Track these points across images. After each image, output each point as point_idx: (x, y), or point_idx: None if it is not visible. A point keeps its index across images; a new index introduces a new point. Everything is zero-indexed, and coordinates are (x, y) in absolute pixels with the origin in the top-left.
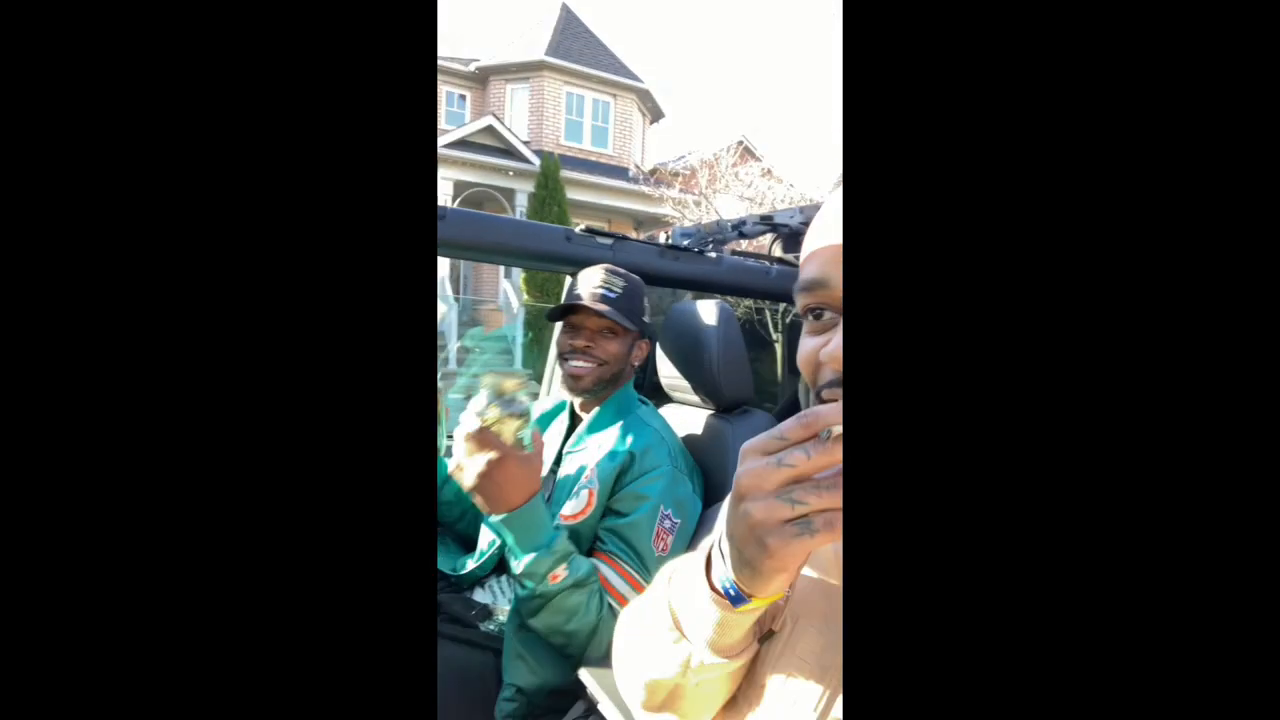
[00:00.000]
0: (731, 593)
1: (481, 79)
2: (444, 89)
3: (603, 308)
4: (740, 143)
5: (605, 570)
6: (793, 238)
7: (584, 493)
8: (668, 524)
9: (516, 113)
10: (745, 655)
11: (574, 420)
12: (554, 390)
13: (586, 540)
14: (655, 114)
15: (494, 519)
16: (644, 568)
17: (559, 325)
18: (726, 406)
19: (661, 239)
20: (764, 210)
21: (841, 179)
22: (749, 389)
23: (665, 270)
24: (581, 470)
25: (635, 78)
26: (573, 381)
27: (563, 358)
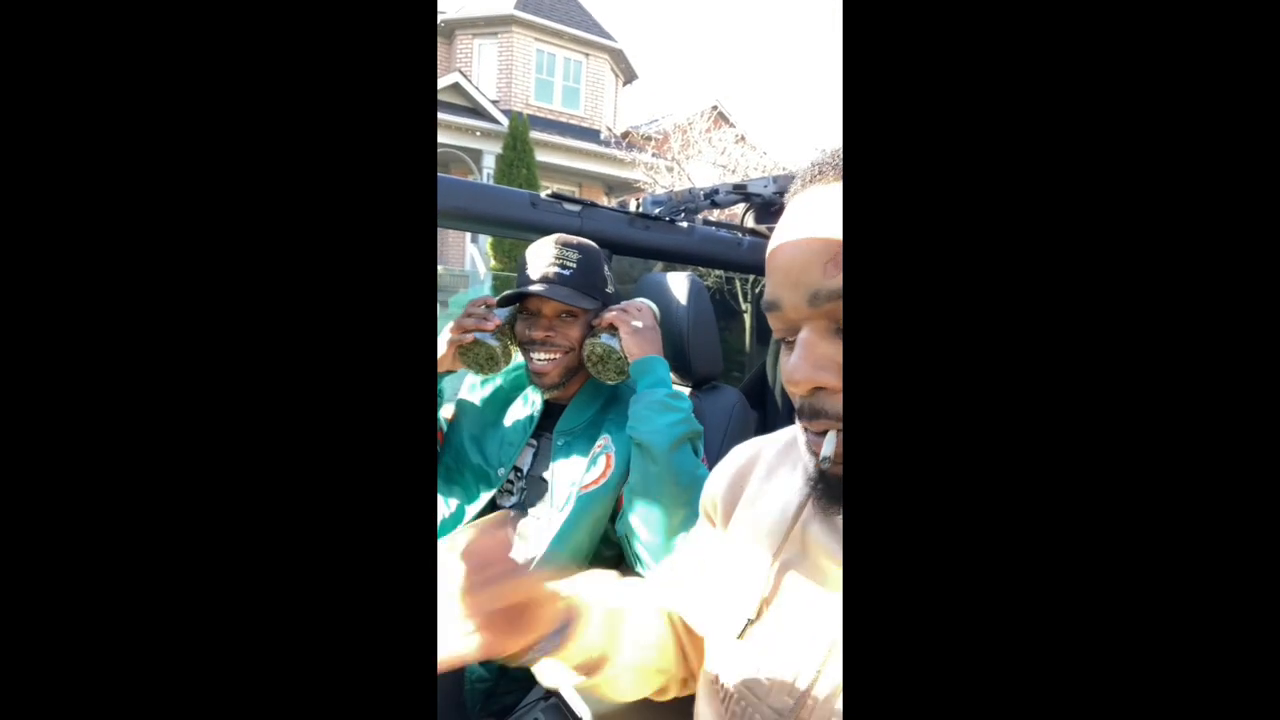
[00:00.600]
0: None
1: (448, 33)
2: None
3: (559, 291)
4: (714, 108)
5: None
6: (765, 208)
7: (601, 458)
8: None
9: (484, 70)
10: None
11: (548, 408)
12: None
13: (607, 506)
14: (629, 75)
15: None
16: None
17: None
18: (696, 382)
19: (632, 206)
20: (737, 178)
21: (808, 176)
22: (718, 364)
23: (635, 239)
24: (597, 456)
25: (609, 36)
26: (539, 378)
27: (523, 349)
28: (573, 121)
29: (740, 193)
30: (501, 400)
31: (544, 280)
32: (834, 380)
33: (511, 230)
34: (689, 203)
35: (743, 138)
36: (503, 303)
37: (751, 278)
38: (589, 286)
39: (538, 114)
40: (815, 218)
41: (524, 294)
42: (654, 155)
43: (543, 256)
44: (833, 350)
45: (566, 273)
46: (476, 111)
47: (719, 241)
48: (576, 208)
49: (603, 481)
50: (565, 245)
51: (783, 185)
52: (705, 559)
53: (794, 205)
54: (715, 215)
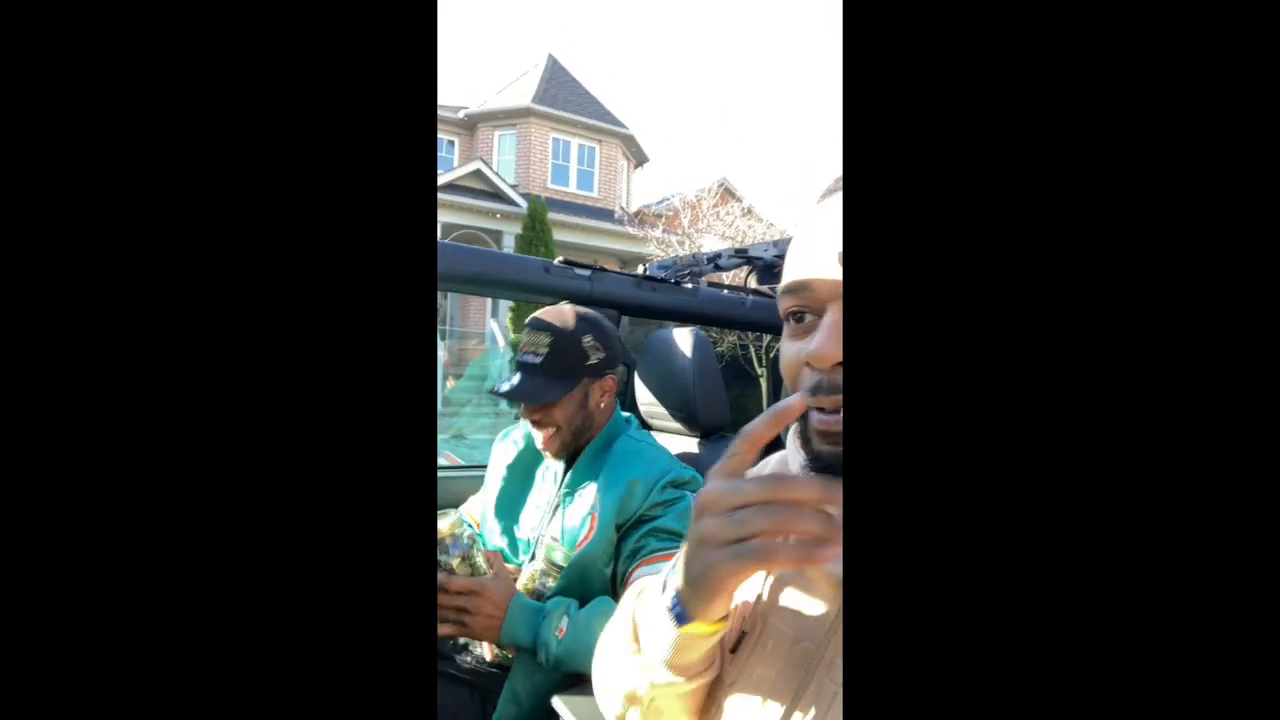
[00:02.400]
0: (676, 610)
1: (470, 126)
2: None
3: (526, 390)
4: (721, 184)
5: (649, 568)
6: (767, 270)
7: (586, 520)
8: None
9: (504, 158)
10: (702, 677)
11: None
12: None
13: (598, 566)
14: (640, 158)
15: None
16: None
17: None
18: (704, 432)
19: (639, 271)
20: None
21: (830, 189)
22: (725, 415)
23: (643, 300)
24: (577, 526)
25: (620, 124)
26: (546, 451)
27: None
28: (587, 203)
29: (742, 256)
30: (525, 465)
31: (520, 370)
32: None
33: (527, 294)
34: (693, 266)
35: (749, 210)
36: (495, 393)
37: (765, 342)
38: (561, 370)
39: (555, 196)
40: None
41: (500, 394)
42: (665, 231)
43: (524, 347)
44: None
45: (536, 360)
46: (497, 195)
47: (723, 301)
48: (587, 273)
49: (586, 544)
50: (537, 329)
51: (782, 249)
52: None
53: (829, 202)
54: (720, 278)
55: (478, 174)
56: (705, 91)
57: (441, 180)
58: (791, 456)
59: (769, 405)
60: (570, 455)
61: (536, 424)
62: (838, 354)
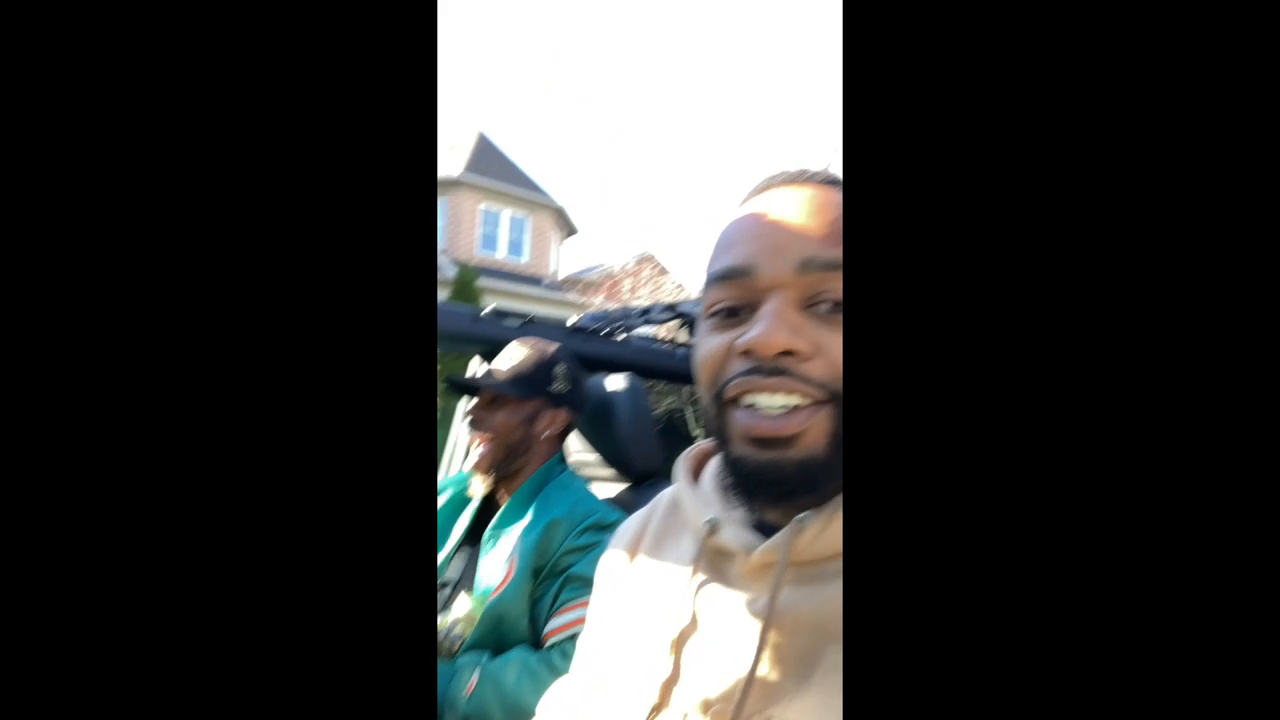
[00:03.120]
0: None
1: None
2: None
3: (486, 380)
4: (650, 257)
5: (563, 619)
6: (695, 324)
7: (506, 564)
8: None
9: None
10: None
11: (490, 499)
12: (452, 468)
13: (514, 611)
14: (569, 230)
15: None
16: None
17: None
18: (637, 478)
19: (569, 322)
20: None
21: (759, 187)
22: (658, 460)
23: (573, 350)
24: (504, 564)
25: (550, 198)
26: (476, 471)
27: (469, 430)
28: (517, 270)
29: (672, 311)
30: (452, 512)
31: (491, 372)
32: (807, 346)
33: (456, 344)
34: (624, 319)
35: (680, 286)
36: (452, 388)
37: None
38: (526, 381)
39: (483, 264)
40: (800, 200)
41: (461, 384)
42: (606, 299)
43: (503, 353)
44: (802, 320)
45: (509, 366)
46: None
47: (654, 353)
48: (517, 322)
49: (503, 589)
50: (522, 344)
51: None
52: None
53: (767, 195)
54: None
55: None
56: (632, 168)
57: None
58: (684, 485)
59: None
60: (497, 478)
61: (476, 425)
62: (791, 341)
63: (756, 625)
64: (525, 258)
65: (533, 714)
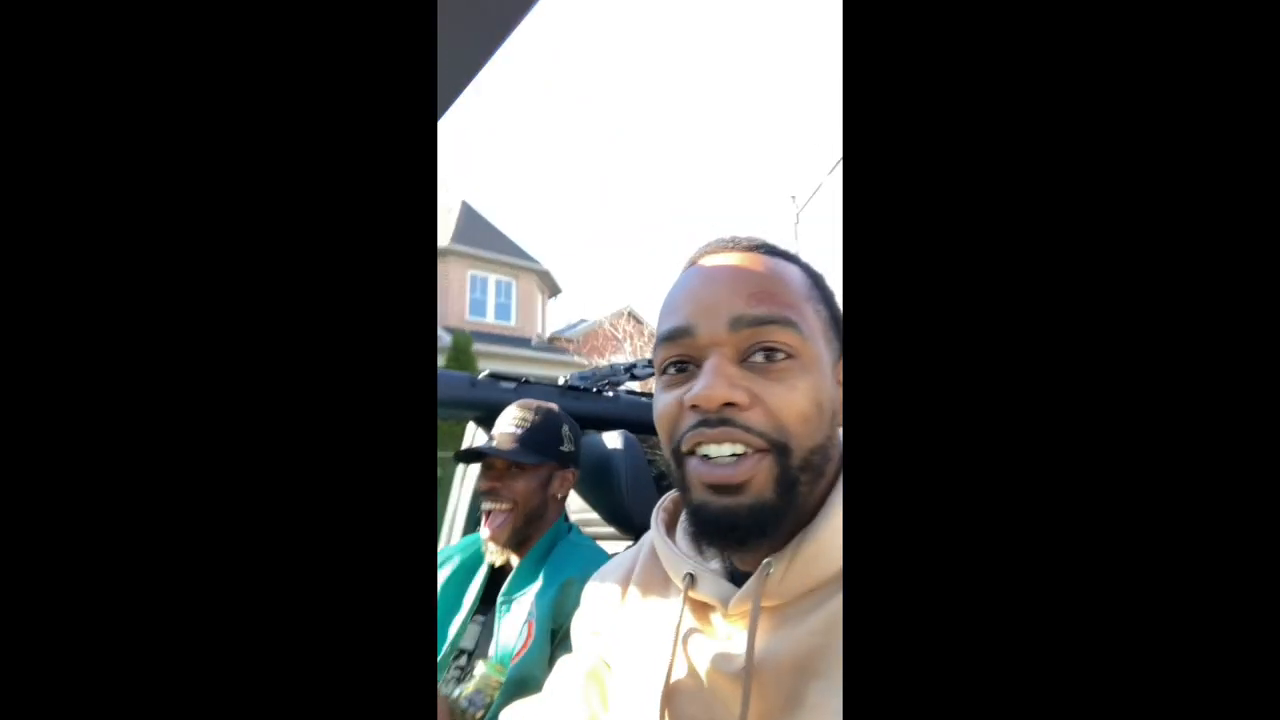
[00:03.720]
0: None
1: None
2: None
3: (504, 448)
4: (629, 312)
5: None
6: None
7: (523, 629)
8: None
9: None
10: None
11: (494, 576)
12: (454, 535)
13: (538, 673)
14: (554, 290)
15: None
16: None
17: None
18: (637, 534)
19: (560, 381)
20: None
21: (702, 251)
22: None
23: (568, 409)
24: (516, 634)
25: (534, 261)
26: (491, 543)
27: (483, 503)
28: (505, 332)
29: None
30: (461, 580)
31: (500, 439)
32: (745, 398)
33: (455, 409)
34: (611, 376)
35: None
36: (457, 459)
37: None
38: (537, 444)
39: (473, 327)
40: (730, 265)
41: (473, 453)
42: (580, 356)
43: (505, 418)
44: (739, 373)
45: (519, 432)
46: None
47: (644, 407)
48: (512, 384)
49: (525, 652)
50: (525, 407)
51: None
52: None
53: (703, 262)
54: (635, 386)
55: None
56: (612, 225)
57: None
58: (659, 538)
59: None
60: (515, 547)
61: (493, 494)
62: (729, 394)
63: (740, 675)
64: (513, 320)
65: None
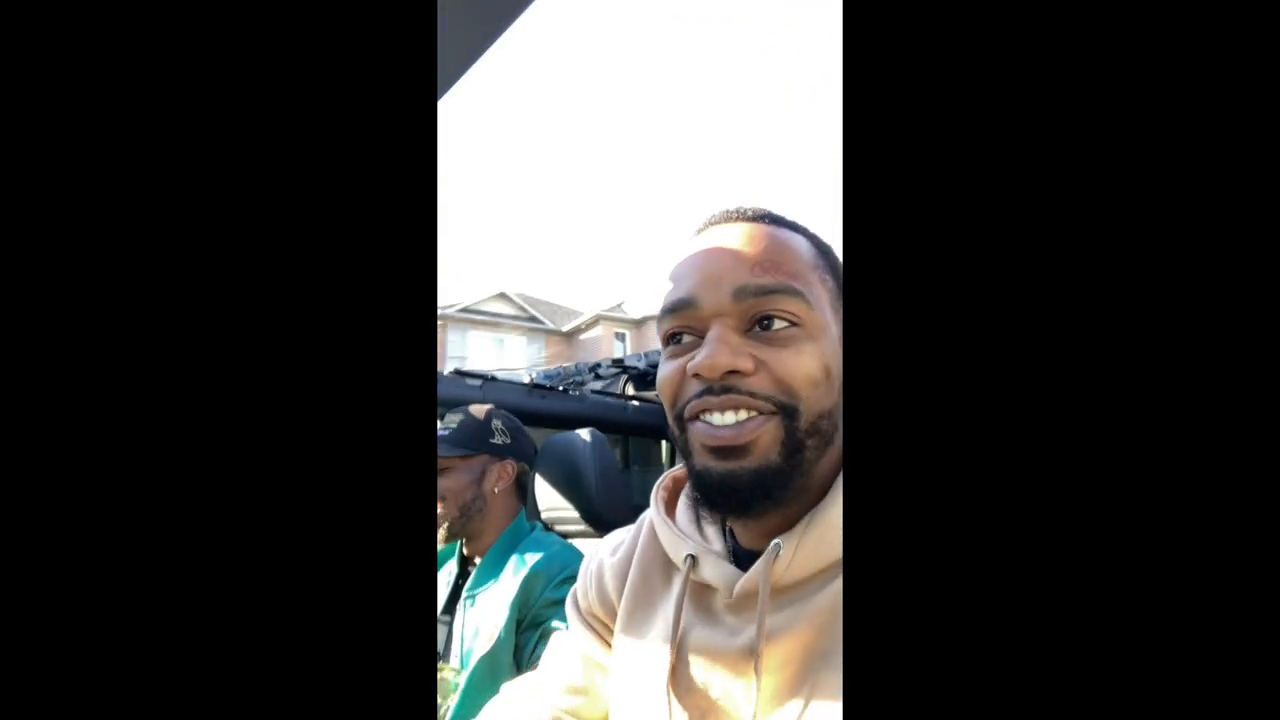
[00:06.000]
0: None
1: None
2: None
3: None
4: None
5: None
6: (640, 377)
7: (490, 621)
8: None
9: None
10: None
11: (466, 563)
12: None
13: (504, 663)
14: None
15: None
16: None
17: None
18: (607, 531)
19: (526, 380)
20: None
21: (708, 221)
22: (628, 510)
23: (534, 408)
24: (478, 630)
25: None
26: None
27: None
28: None
29: (619, 365)
30: None
31: None
32: (749, 365)
33: None
34: (576, 375)
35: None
36: None
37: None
38: (462, 440)
39: None
40: (734, 235)
41: None
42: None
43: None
44: (742, 342)
45: (444, 432)
46: None
47: (608, 406)
48: (478, 381)
49: (491, 646)
50: (452, 411)
51: (652, 360)
52: (586, 671)
53: (708, 233)
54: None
55: None
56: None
57: None
58: (659, 518)
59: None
60: (462, 541)
61: None
62: (733, 361)
63: (746, 657)
64: None
65: None
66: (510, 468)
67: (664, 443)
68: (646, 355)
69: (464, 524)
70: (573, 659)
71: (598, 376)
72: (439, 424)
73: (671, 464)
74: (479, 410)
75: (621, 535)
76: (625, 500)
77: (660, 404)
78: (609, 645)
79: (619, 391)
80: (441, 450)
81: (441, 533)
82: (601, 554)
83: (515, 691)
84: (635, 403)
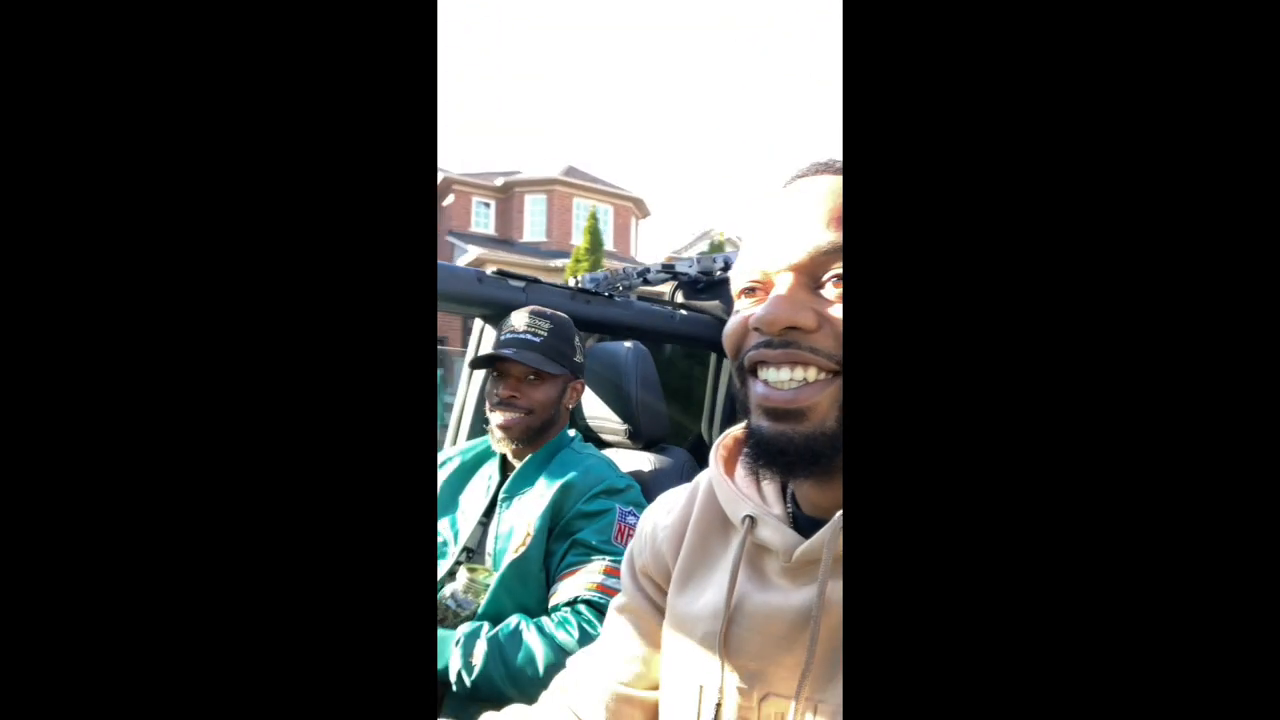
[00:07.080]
0: None
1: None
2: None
3: (527, 355)
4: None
5: (566, 585)
6: (691, 285)
7: (525, 525)
8: (631, 519)
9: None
10: None
11: (506, 467)
12: (460, 437)
13: (534, 569)
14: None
15: None
16: (615, 557)
17: (483, 373)
18: (645, 444)
19: (571, 284)
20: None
21: (797, 174)
22: (665, 426)
23: (577, 313)
24: (511, 531)
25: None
26: (502, 433)
27: (491, 407)
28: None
29: (669, 271)
30: (458, 481)
31: (513, 345)
32: (811, 321)
33: (459, 305)
34: (624, 280)
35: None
36: (474, 365)
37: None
38: (556, 354)
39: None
40: (817, 189)
41: (495, 357)
42: None
43: (516, 323)
44: (808, 297)
45: (536, 339)
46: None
47: (654, 314)
48: (521, 284)
49: (523, 551)
50: (538, 315)
51: (705, 266)
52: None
53: (793, 186)
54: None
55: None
56: (695, 153)
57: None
58: (718, 477)
59: (712, 423)
60: (515, 446)
61: (510, 403)
62: (793, 317)
63: (807, 619)
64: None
65: (536, 684)
66: (581, 386)
67: (712, 355)
68: (699, 260)
69: (537, 435)
70: (625, 630)
71: (646, 281)
72: (525, 327)
73: (717, 380)
74: (564, 320)
75: (675, 497)
76: (662, 415)
77: (709, 314)
78: (661, 610)
79: (668, 298)
80: (541, 364)
81: (516, 433)
82: (655, 515)
83: (567, 680)
84: (683, 311)
